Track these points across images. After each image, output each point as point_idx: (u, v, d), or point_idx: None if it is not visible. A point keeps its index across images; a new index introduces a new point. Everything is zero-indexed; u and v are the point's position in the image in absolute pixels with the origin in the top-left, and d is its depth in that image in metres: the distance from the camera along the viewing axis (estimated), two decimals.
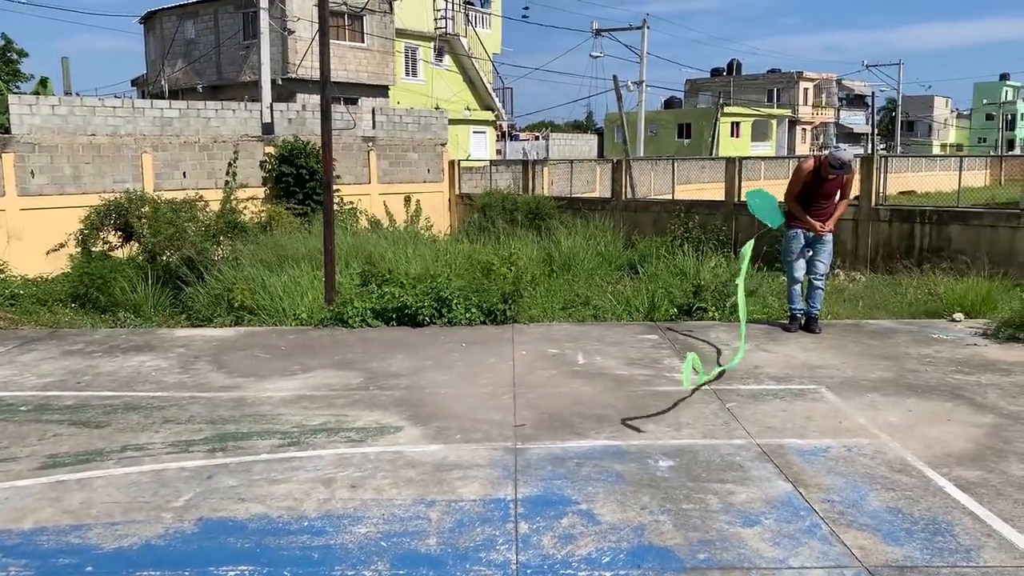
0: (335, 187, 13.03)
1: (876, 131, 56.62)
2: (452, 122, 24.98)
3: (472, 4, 34.57)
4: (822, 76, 63.42)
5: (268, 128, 18.95)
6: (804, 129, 60.11)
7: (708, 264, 11.84)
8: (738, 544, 3.81)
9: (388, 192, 20.86)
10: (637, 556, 3.70)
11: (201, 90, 27.03)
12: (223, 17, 26.94)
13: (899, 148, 58.78)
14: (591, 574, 3.56)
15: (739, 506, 4.21)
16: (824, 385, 6.39)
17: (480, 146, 32.38)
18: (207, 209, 14.16)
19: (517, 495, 4.35)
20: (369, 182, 20.79)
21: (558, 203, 18.73)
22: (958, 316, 8.97)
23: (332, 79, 9.96)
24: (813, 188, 8.08)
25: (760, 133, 53.19)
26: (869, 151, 40.66)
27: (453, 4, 31.70)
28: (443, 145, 22.66)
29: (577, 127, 67.14)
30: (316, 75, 23.65)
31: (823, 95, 63.76)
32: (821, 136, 62.02)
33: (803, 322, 8.40)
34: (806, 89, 61.00)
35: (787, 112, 56.93)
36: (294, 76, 25.18)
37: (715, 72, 63.63)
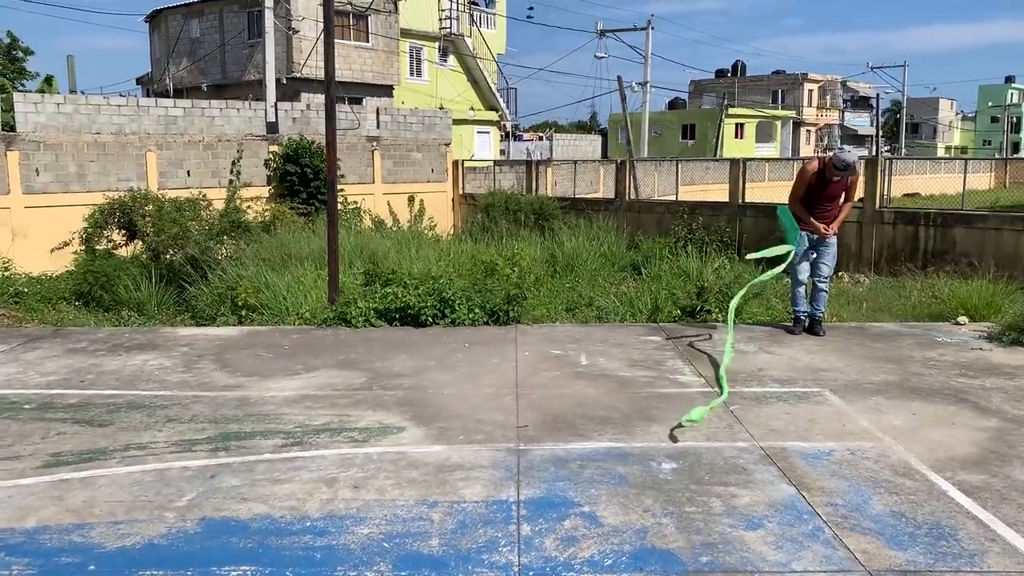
0: (339, 187, 13.01)
1: (880, 133, 56.50)
2: (456, 122, 24.99)
3: (477, 4, 34.57)
4: (827, 78, 63.33)
5: (272, 127, 18.98)
6: (808, 131, 60.05)
7: (712, 265, 11.84)
8: (741, 547, 3.80)
9: (392, 192, 20.88)
10: (639, 559, 3.69)
11: (206, 89, 27.07)
12: (228, 16, 26.98)
13: (903, 150, 58.71)
14: None
15: (742, 509, 4.20)
16: (828, 388, 6.38)
17: (484, 146, 32.38)
18: (211, 208, 14.18)
19: (520, 497, 4.34)
20: (373, 182, 20.82)
21: (562, 204, 18.74)
22: (962, 319, 8.95)
23: (337, 79, 9.96)
24: (817, 190, 8.07)
25: (764, 134, 53.13)
26: (874, 153, 40.61)
27: (458, 4, 31.71)
28: (447, 145, 22.67)
29: (581, 128, 67.15)
30: (321, 74, 23.68)
31: (828, 97, 63.68)
32: (825, 138, 61.94)
33: (807, 324, 8.38)
34: (811, 91, 60.93)
35: (791, 114, 56.87)
36: (299, 75, 25.20)
37: (719, 73, 63.58)
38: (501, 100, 34.45)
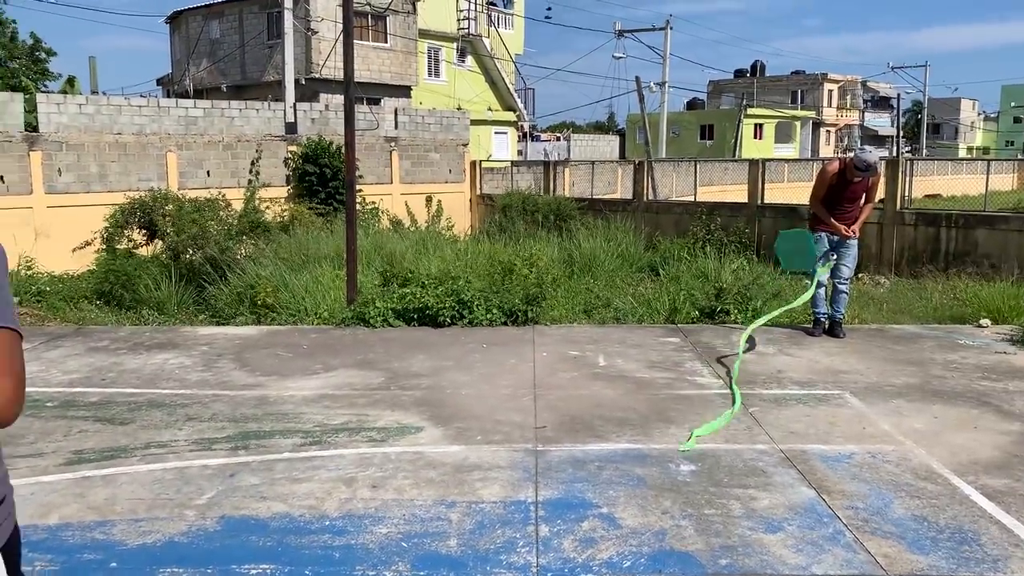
0: (357, 187, 13.06)
1: (901, 134, 56.06)
2: (474, 123, 25.01)
3: (495, 5, 34.60)
4: (847, 78, 62.88)
5: (291, 128, 19.07)
6: (828, 131, 59.63)
7: (730, 266, 11.78)
8: (760, 550, 3.78)
9: (410, 192, 20.92)
10: (658, 561, 3.68)
11: (225, 89, 27.24)
12: (248, 17, 27.14)
13: (925, 151, 58.13)
14: None
15: (761, 512, 4.18)
16: (848, 390, 6.33)
17: (501, 147, 32.39)
18: (230, 208, 14.26)
19: (538, 497, 4.34)
20: (391, 182, 20.87)
21: (579, 204, 18.70)
22: (984, 322, 8.86)
23: (355, 79, 9.99)
24: (838, 191, 8.01)
25: (784, 135, 52.81)
26: (894, 154, 40.30)
27: (476, 5, 31.74)
28: (465, 146, 22.70)
29: (599, 128, 67.04)
30: (339, 75, 23.76)
31: (848, 97, 63.23)
32: (845, 138, 61.50)
33: (827, 326, 8.32)
34: (830, 91, 60.52)
35: (811, 114, 56.50)
36: (317, 76, 25.32)
37: (738, 73, 63.26)
38: (519, 100, 34.47)
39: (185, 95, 26.97)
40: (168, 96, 29.83)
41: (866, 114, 65.98)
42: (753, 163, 16.80)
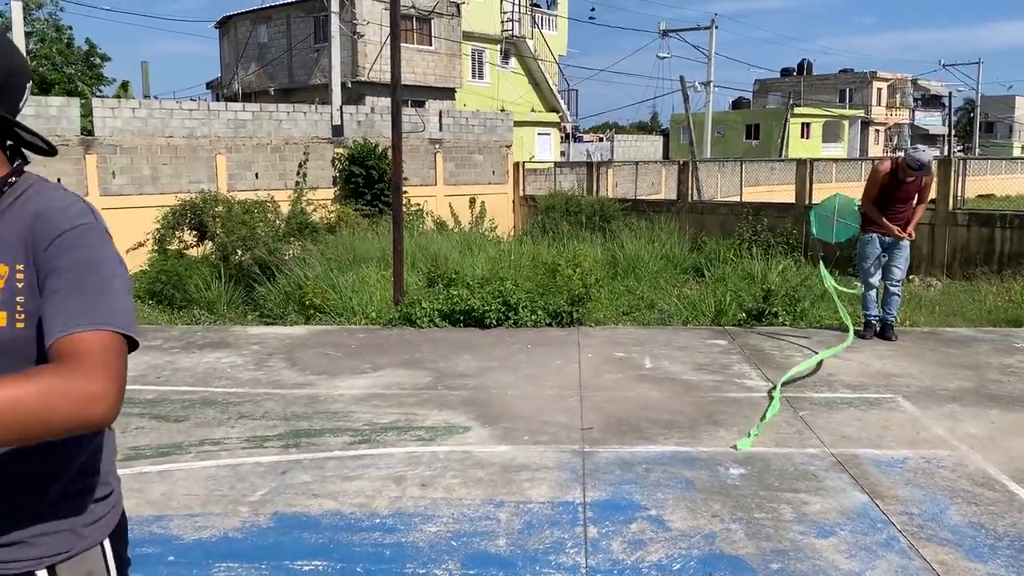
0: (403, 189, 13.15)
1: (953, 132, 54.78)
2: (517, 124, 25.06)
3: (538, 6, 34.61)
4: (896, 76, 61.65)
5: (338, 130, 19.30)
6: (877, 130, 58.54)
7: (777, 267, 11.64)
8: (812, 555, 3.73)
9: (453, 194, 21.04)
10: (708, 564, 3.66)
11: (273, 93, 27.67)
12: (295, 21, 27.54)
13: (977, 150, 56.77)
14: None
15: (813, 516, 4.13)
16: (900, 394, 6.22)
17: (544, 148, 32.39)
18: (278, 209, 14.50)
19: (585, 499, 4.34)
20: (435, 184, 21.01)
21: (622, 205, 18.64)
22: None
23: (401, 82, 10.08)
24: (890, 191, 7.87)
25: (831, 134, 51.96)
26: (946, 153, 39.39)
27: (519, 7, 31.79)
28: (508, 147, 22.76)
29: (642, 128, 66.65)
30: (385, 78, 23.98)
31: (897, 95, 61.99)
32: (895, 138, 60.31)
33: (878, 329, 8.18)
34: (880, 89, 59.39)
35: (860, 113, 55.50)
36: (363, 79, 25.58)
37: (785, 72, 62.42)
38: (562, 101, 34.43)
39: (234, 98, 27.42)
40: (217, 100, 30.37)
41: (916, 113, 64.61)
42: (801, 163, 16.59)
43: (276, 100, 24.92)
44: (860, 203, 8.26)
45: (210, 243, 13.87)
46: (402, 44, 12.07)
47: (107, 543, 1.47)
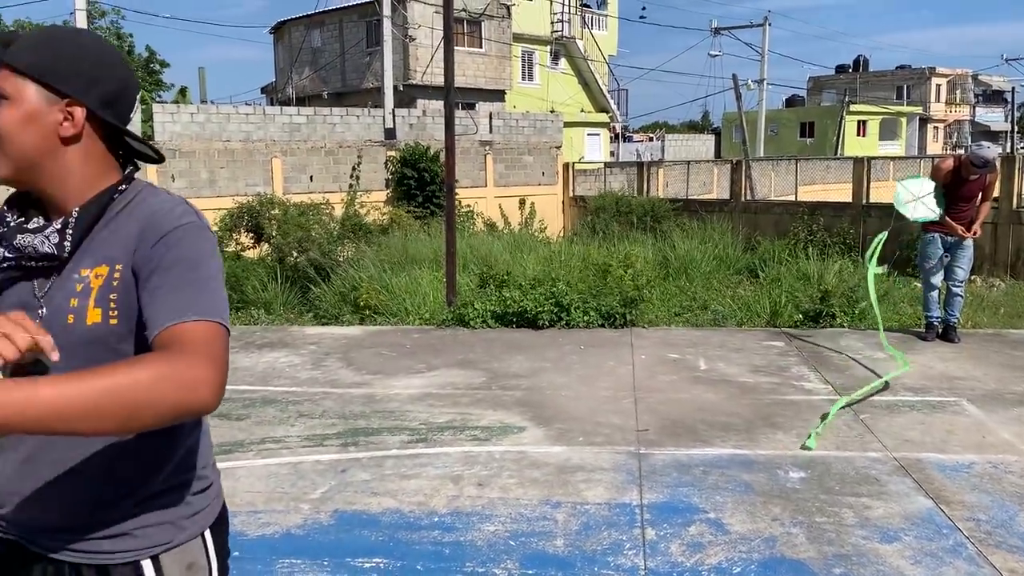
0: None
1: (1016, 129, 53.15)
2: (567, 125, 25.03)
3: (588, 6, 34.53)
4: (956, 72, 60.02)
5: (390, 133, 19.51)
6: (936, 127, 57.06)
7: (833, 268, 11.43)
8: (876, 560, 3.67)
9: (503, 195, 21.10)
10: (769, 568, 3.62)
11: (326, 96, 28.08)
12: (347, 26, 27.91)
13: None
14: None
15: (876, 521, 4.06)
16: (965, 397, 6.07)
17: (594, 148, 32.30)
18: (332, 212, 14.71)
19: (643, 500, 4.33)
20: (485, 185, 21.10)
21: (674, 205, 18.49)
22: None
23: (454, 86, 10.15)
24: (953, 189, 7.68)
25: (888, 132, 50.82)
26: (1009, 150, 38.24)
27: (569, 7, 31.75)
28: (558, 148, 22.75)
29: (692, 127, 66.02)
30: (436, 81, 24.13)
31: (957, 91, 60.35)
32: (955, 135, 58.73)
33: (940, 331, 7.99)
34: (938, 85, 57.88)
35: (918, 109, 54.18)
36: (415, 82, 25.81)
37: (840, 69, 61.22)
38: (612, 102, 34.30)
39: (288, 103, 27.90)
40: (272, 104, 30.93)
41: (977, 109, 62.83)
42: (858, 161, 16.28)
43: (329, 104, 25.28)
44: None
45: (266, 245, 14.13)
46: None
47: (208, 534, 1.53)
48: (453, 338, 8.43)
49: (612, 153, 33.85)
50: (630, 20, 48.05)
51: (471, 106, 24.93)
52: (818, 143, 46.68)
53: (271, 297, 11.69)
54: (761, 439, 5.25)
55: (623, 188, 21.24)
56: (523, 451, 5.08)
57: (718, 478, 4.62)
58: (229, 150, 17.14)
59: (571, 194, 22.58)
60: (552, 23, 31.67)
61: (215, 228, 14.24)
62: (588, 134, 32.10)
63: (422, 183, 18.60)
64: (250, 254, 14.19)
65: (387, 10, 21.52)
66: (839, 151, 38.12)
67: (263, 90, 36.67)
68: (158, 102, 25.02)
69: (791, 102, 55.99)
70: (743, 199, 18.15)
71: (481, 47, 27.96)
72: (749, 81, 31.95)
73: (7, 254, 1.39)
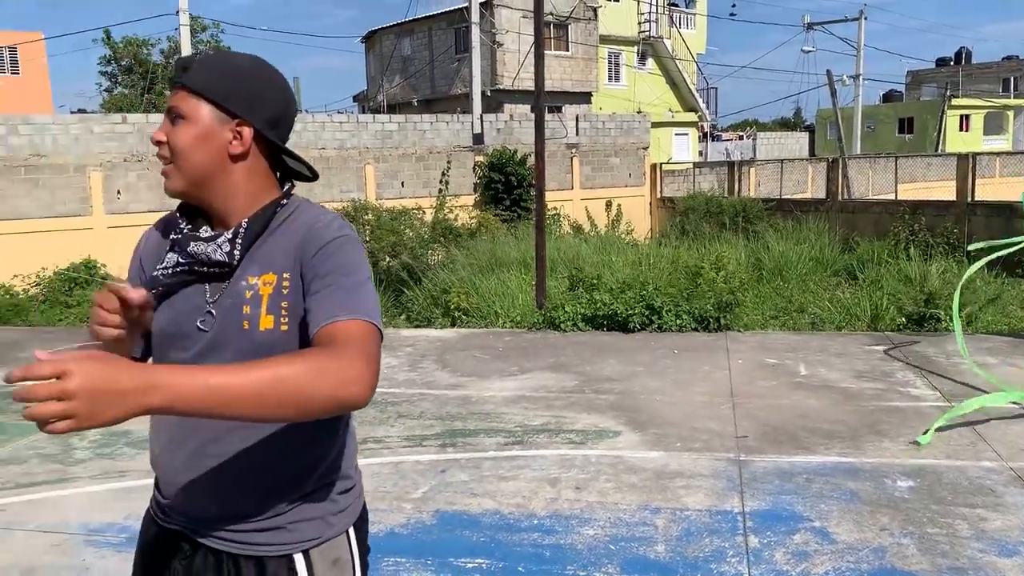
0: None
1: None
2: (654, 125, 24.76)
3: (676, 5, 34.11)
4: None
5: (478, 138, 19.71)
6: None
7: (938, 269, 10.98)
8: (994, 574, 3.52)
9: (589, 197, 21.04)
10: None
11: (416, 104, 28.55)
12: (436, 33, 28.33)
13: None
14: None
15: (992, 533, 3.89)
16: None
17: (682, 148, 31.88)
18: (423, 217, 14.97)
19: (744, 507, 4.26)
20: (571, 188, 21.08)
21: (766, 205, 18.07)
22: None
23: (544, 90, 10.20)
24: None
25: (994, 126, 48.43)
26: None
27: (657, 7, 31.44)
28: (645, 149, 22.55)
29: (784, 125, 64.35)
30: (523, 85, 24.26)
31: None
32: None
33: None
34: None
35: None
36: (502, 87, 26.00)
37: (940, 62, 58.68)
38: (700, 101, 33.76)
39: (379, 110, 28.53)
40: (363, 111, 31.67)
41: None
42: (962, 157, 15.58)
43: (418, 111, 25.72)
44: None
45: None
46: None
47: (352, 531, 1.60)
48: (544, 341, 8.47)
49: (700, 153, 33.33)
50: (719, 17, 47.30)
51: (557, 109, 24.96)
52: (917, 139, 44.87)
53: None
54: (867, 447, 5.10)
55: (713, 188, 20.88)
56: (619, 455, 5.07)
57: (822, 486, 4.51)
58: (324, 157, 17.62)
59: (659, 195, 22.33)
60: (639, 23, 31.41)
61: None
62: (676, 134, 31.71)
63: (509, 187, 18.72)
64: None
65: (475, 17, 21.75)
66: (941, 147, 36.56)
67: (355, 98, 37.57)
68: None
69: (888, 97, 53.98)
70: (840, 198, 17.61)
71: (567, 50, 27.96)
72: (844, 77, 30.96)
73: (180, 259, 1.50)
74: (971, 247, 7.94)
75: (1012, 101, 51.14)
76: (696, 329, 8.65)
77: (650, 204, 22.35)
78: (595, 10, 28.14)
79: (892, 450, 5.01)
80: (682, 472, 4.77)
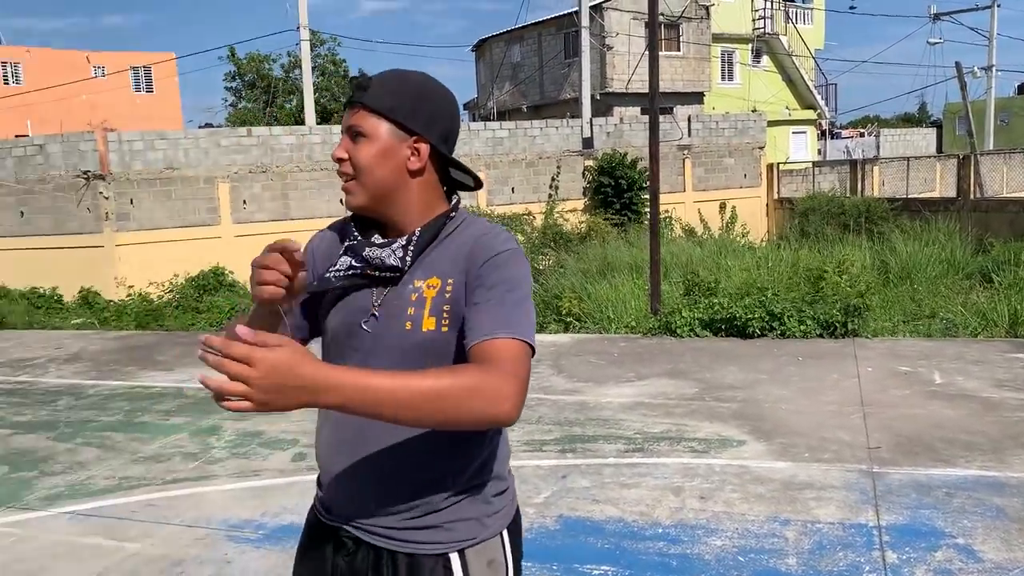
0: None
1: None
2: (770, 124, 24.09)
3: (792, 1, 33.12)
4: None
5: (588, 142, 19.67)
6: None
7: None
8: None
9: (702, 199, 20.65)
10: None
11: (525, 110, 28.76)
12: (546, 39, 28.45)
13: None
14: None
15: None
16: None
17: (800, 147, 30.88)
18: (533, 222, 15.05)
19: (880, 521, 4.09)
20: (684, 190, 20.75)
21: (892, 205, 17.32)
22: None
23: (658, 92, 10.09)
24: None
25: None
26: None
27: (772, 3, 30.59)
28: (760, 148, 21.97)
29: (908, 121, 61.43)
30: (632, 88, 24.09)
31: None
32: None
33: None
34: None
35: None
36: (611, 90, 25.88)
37: None
38: (819, 97, 32.61)
39: (489, 117, 28.86)
40: (474, 119, 32.13)
41: None
42: None
43: (528, 116, 25.89)
44: None
45: None
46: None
47: (506, 533, 1.62)
48: (660, 347, 8.37)
49: (819, 151, 32.21)
50: (838, 12, 45.50)
51: (668, 110, 24.63)
52: None
53: None
54: (1012, 460, 4.81)
55: (833, 188, 20.18)
56: (744, 465, 4.96)
57: (964, 501, 4.28)
58: None
59: (776, 196, 21.71)
60: (753, 20, 30.64)
61: None
62: (793, 132, 30.76)
63: (619, 190, 18.59)
64: None
65: (585, 21, 21.72)
66: None
67: (466, 106, 38.18)
68: None
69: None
70: (972, 196, 16.68)
71: (679, 50, 27.56)
72: (975, 68, 29.30)
73: (354, 263, 1.58)
74: None
75: None
76: (821, 335, 8.36)
77: (767, 205, 21.76)
78: (708, 9, 27.64)
79: None
80: (812, 483, 4.61)
